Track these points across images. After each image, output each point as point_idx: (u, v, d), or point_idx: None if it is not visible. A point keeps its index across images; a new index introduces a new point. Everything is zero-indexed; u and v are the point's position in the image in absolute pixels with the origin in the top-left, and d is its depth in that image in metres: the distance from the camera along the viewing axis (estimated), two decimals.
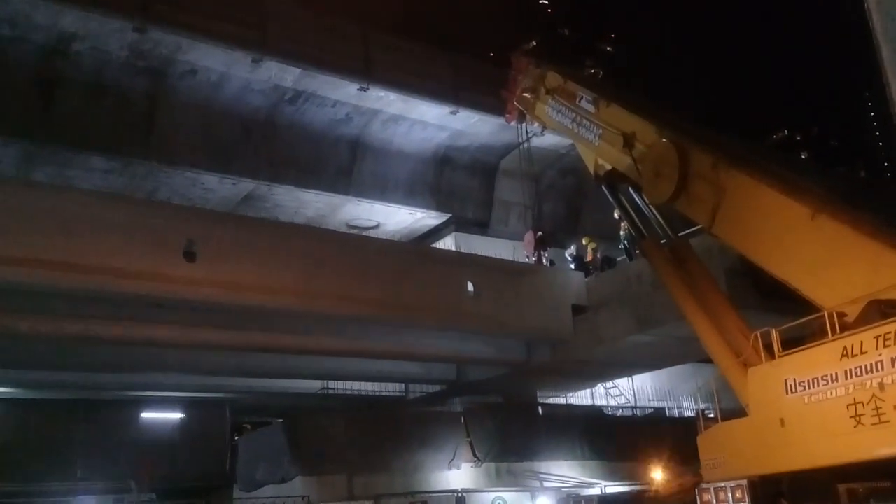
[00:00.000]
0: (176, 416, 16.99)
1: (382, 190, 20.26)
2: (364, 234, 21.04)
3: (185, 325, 14.06)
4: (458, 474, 15.66)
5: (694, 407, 23.09)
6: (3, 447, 14.67)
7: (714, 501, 10.29)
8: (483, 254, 18.31)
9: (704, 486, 10.63)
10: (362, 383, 20.44)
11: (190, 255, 12.97)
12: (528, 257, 18.55)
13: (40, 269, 11.83)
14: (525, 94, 17.06)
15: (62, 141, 16.34)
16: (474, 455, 15.89)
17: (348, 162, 19.83)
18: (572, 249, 19.49)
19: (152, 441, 15.88)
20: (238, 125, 18.12)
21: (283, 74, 17.64)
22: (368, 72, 18.55)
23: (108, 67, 16.28)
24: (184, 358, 16.04)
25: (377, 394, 20.98)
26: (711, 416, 11.50)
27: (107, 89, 16.49)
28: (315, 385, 19.87)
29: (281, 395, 19.57)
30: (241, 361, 16.60)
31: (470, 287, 16.05)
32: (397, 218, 21.17)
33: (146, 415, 16.58)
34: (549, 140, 19.60)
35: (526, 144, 19.27)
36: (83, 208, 12.84)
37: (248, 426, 19.24)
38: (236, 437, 17.70)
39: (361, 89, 18.43)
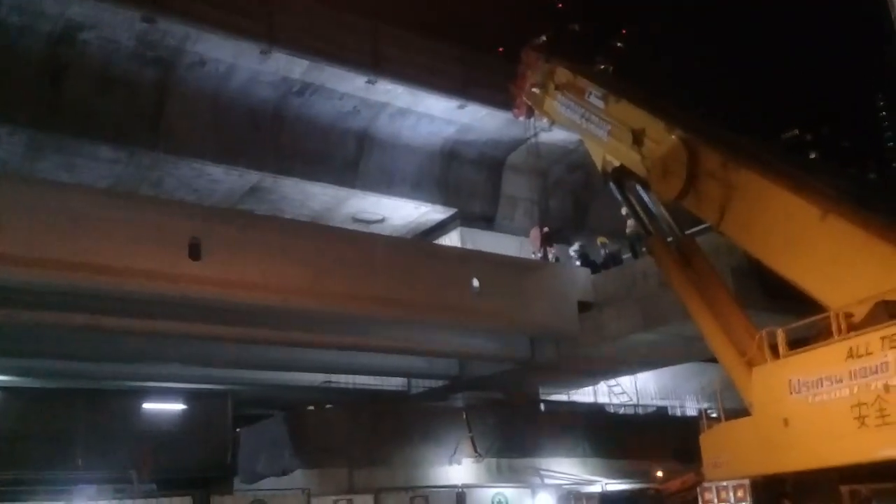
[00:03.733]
0: (178, 406, 17.04)
1: (389, 183, 20.22)
2: (370, 227, 21.00)
3: (188, 320, 14.07)
4: (459, 470, 15.68)
5: (697, 406, 23.12)
6: (4, 436, 14.76)
7: (716, 500, 10.27)
8: (489, 249, 18.26)
9: (706, 484, 10.60)
10: (364, 377, 20.45)
11: (195, 254, 12.98)
12: (534, 253, 18.51)
13: (45, 268, 11.89)
14: (534, 89, 16.98)
15: (69, 130, 16.31)
16: (475, 450, 15.91)
17: (355, 155, 19.79)
18: (577, 246, 19.45)
19: (154, 431, 15.97)
20: (246, 117, 18.10)
21: (292, 66, 17.60)
22: (377, 65, 18.50)
23: (116, 57, 16.25)
24: (186, 349, 16.07)
25: (379, 388, 20.98)
26: (714, 415, 11.47)
27: (115, 79, 16.46)
28: (317, 378, 19.87)
29: (283, 388, 19.61)
30: (244, 354, 16.63)
31: (475, 283, 16.02)
32: (403, 212, 21.12)
33: (148, 405, 16.63)
34: (557, 135, 19.54)
35: (534, 139, 19.22)
36: (89, 206, 12.87)
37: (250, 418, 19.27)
38: (238, 429, 17.72)
39: (369, 82, 18.39)
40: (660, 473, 16.24)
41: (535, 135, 19.01)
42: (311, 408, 17.59)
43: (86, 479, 14.35)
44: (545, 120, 17.52)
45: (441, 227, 21.80)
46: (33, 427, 15.11)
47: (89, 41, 15.80)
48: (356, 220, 21.03)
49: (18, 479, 14.32)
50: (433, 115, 19.91)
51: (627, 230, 17.46)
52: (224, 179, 18.52)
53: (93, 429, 15.46)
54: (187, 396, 17.45)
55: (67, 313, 13.02)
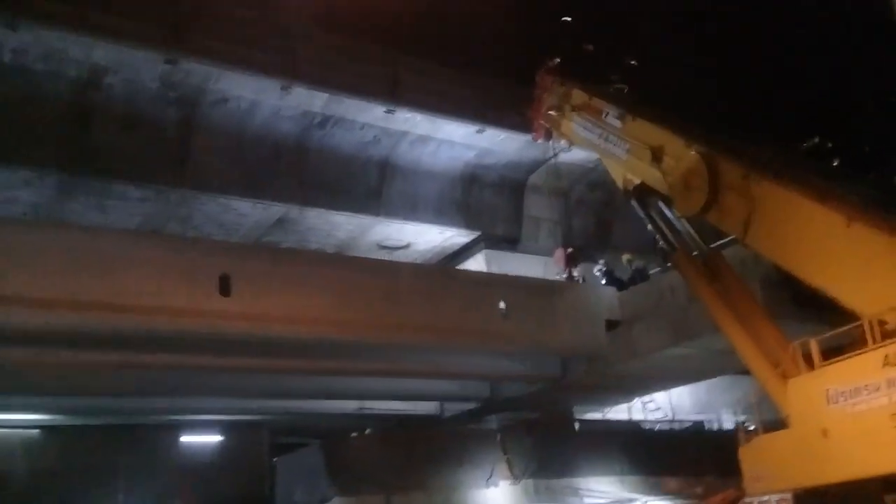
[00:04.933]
0: (215, 438, 17.15)
1: (412, 210, 20.38)
2: (395, 254, 21.15)
3: (221, 354, 14.23)
4: (496, 492, 15.60)
5: (733, 419, 22.82)
6: (47, 473, 15.00)
7: None
8: (514, 270, 18.26)
9: (748, 500, 10.50)
10: (397, 402, 20.46)
11: (225, 289, 13.16)
12: (558, 274, 18.52)
13: (80, 310, 12.09)
14: (551, 112, 17.11)
15: (98, 172, 16.67)
16: (512, 472, 15.84)
17: (377, 183, 19.99)
18: (601, 264, 19.43)
19: (193, 464, 16.09)
20: (269, 151, 18.38)
21: (312, 100, 17.90)
22: (395, 94, 18.75)
23: (140, 98, 16.62)
24: (220, 382, 16.21)
25: (412, 413, 20.98)
26: (752, 428, 11.37)
27: (140, 120, 16.82)
28: (351, 405, 19.93)
29: (318, 416, 19.67)
30: (278, 384, 16.74)
31: (502, 306, 16.04)
32: (427, 237, 21.26)
33: (186, 438, 16.78)
34: (576, 155, 19.60)
35: (553, 161, 19.31)
36: (118, 247, 13.09)
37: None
38: (275, 459, 17.80)
39: (389, 111, 18.64)
40: (700, 489, 16.06)
41: (555, 156, 19.09)
42: (354, 435, 17.58)
43: None
44: (564, 141, 17.62)
45: (465, 251, 21.89)
46: (75, 463, 15.32)
47: (114, 84, 16.19)
48: (381, 248, 21.20)
49: None
50: (453, 140, 20.10)
51: (657, 244, 17.45)
52: (250, 213, 18.79)
53: (133, 463, 15.66)
54: (224, 428, 17.58)
55: (103, 352, 13.22)
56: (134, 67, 15.98)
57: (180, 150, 17.38)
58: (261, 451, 17.48)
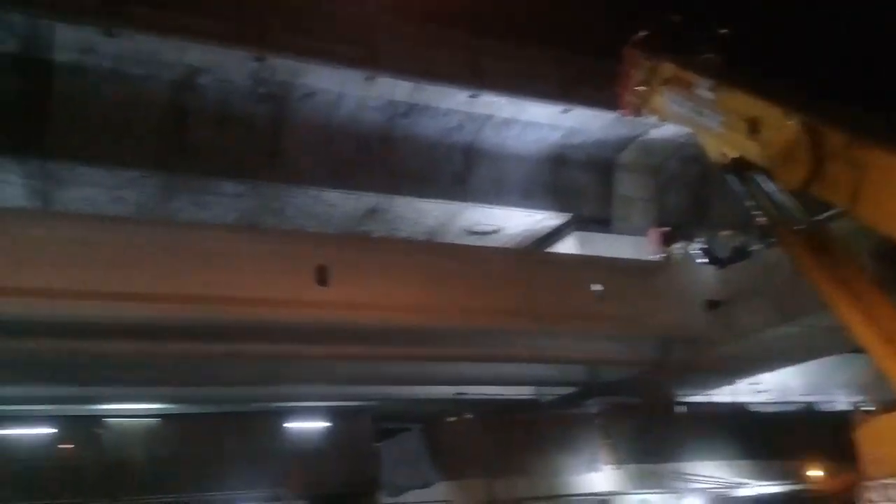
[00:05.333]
0: (321, 424, 17.63)
1: (499, 194, 20.23)
2: (484, 239, 21.07)
3: (320, 342, 14.58)
4: (599, 477, 15.42)
5: (846, 400, 21.77)
6: (164, 460, 15.82)
7: (881, 500, 9.64)
8: (606, 252, 17.90)
9: (869, 483, 9.97)
10: (495, 387, 20.46)
11: (322, 279, 13.46)
12: (654, 254, 18.04)
13: (184, 303, 12.69)
14: (639, 88, 16.58)
15: (196, 170, 17.32)
16: (614, 457, 15.61)
17: (463, 168, 19.95)
18: (699, 242, 18.78)
19: (300, 450, 16.58)
20: (356, 142, 18.61)
21: (395, 89, 17.98)
22: (477, 78, 18.62)
23: (232, 97, 17.11)
24: (324, 369, 16.61)
25: (510, 398, 20.95)
26: (868, 408, 10.80)
27: (233, 117, 17.34)
28: (449, 391, 20.07)
29: (418, 402, 19.91)
30: (378, 370, 17.03)
31: (596, 289, 15.77)
32: (516, 221, 21.07)
33: (293, 424, 17.32)
34: (667, 130, 19.00)
35: (644, 137, 18.78)
36: (220, 242, 13.63)
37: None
38: (378, 444, 18.14)
39: (472, 96, 18.53)
40: (814, 473, 15.39)
41: (645, 132, 18.55)
42: (454, 419, 17.77)
43: (240, 499, 15.07)
44: (654, 116, 17.07)
45: (556, 233, 21.57)
46: (188, 451, 16.09)
47: (207, 84, 16.73)
48: (471, 233, 21.16)
49: (178, 502, 15.28)
50: (538, 121, 19.80)
51: (757, 220, 16.73)
52: (341, 204, 19.10)
53: (243, 450, 16.28)
54: (329, 414, 18.04)
55: (210, 343, 13.77)
56: (225, 67, 16.47)
57: (272, 145, 17.84)
58: (365, 436, 17.82)
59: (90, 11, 14.93)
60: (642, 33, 17.42)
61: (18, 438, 15.65)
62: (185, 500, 15.50)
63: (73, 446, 15.83)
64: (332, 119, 18.24)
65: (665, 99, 15.40)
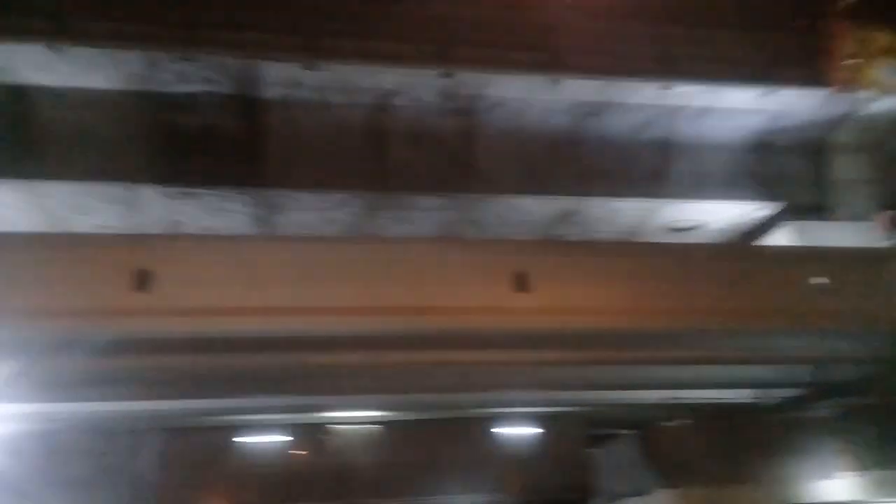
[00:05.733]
0: (533, 430, 17.74)
1: (698, 187, 19.35)
2: (686, 236, 20.25)
3: (523, 348, 14.64)
4: (836, 485, 14.20)
5: None
6: (385, 465, 16.66)
7: None
8: (825, 241, 16.52)
9: None
10: (710, 390, 19.51)
11: (522, 286, 13.53)
12: (884, 239, 16.42)
13: (389, 315, 13.23)
14: (849, 61, 15.26)
15: (396, 188, 18.12)
16: (854, 463, 14.31)
17: (658, 164, 19.31)
18: None
19: (512, 456, 16.78)
20: (546, 146, 18.63)
21: (582, 90, 17.78)
22: (667, 69, 17.95)
23: (425, 114, 17.76)
24: (533, 375, 16.65)
25: (726, 401, 19.87)
26: None
27: (426, 134, 18.00)
28: (662, 395, 19.42)
29: (632, 406, 19.45)
30: (588, 375, 16.80)
31: (819, 282, 14.57)
32: (720, 214, 20.02)
33: (505, 430, 17.58)
34: (886, 103, 17.29)
35: (859, 113, 17.20)
36: (422, 255, 14.09)
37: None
38: (592, 449, 17.96)
39: (663, 88, 17.90)
40: None
41: (861, 108, 17.00)
42: (670, 424, 17.21)
43: None
44: (868, 90, 15.62)
45: (766, 225, 20.23)
46: (407, 456, 16.84)
47: (401, 105, 17.49)
48: (671, 230, 20.42)
49: None
50: (736, 107, 18.73)
51: None
52: (534, 209, 19.16)
53: (457, 456, 16.78)
54: (540, 420, 18.12)
55: (419, 352, 14.28)
56: (416, 87, 17.12)
57: (464, 157, 18.29)
58: (577, 441, 17.71)
59: (294, 49, 16.12)
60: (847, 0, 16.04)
61: (255, 446, 17.11)
62: None
63: (303, 452, 17.07)
64: (521, 126, 18.37)
65: (880, 70, 14.13)
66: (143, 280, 12.81)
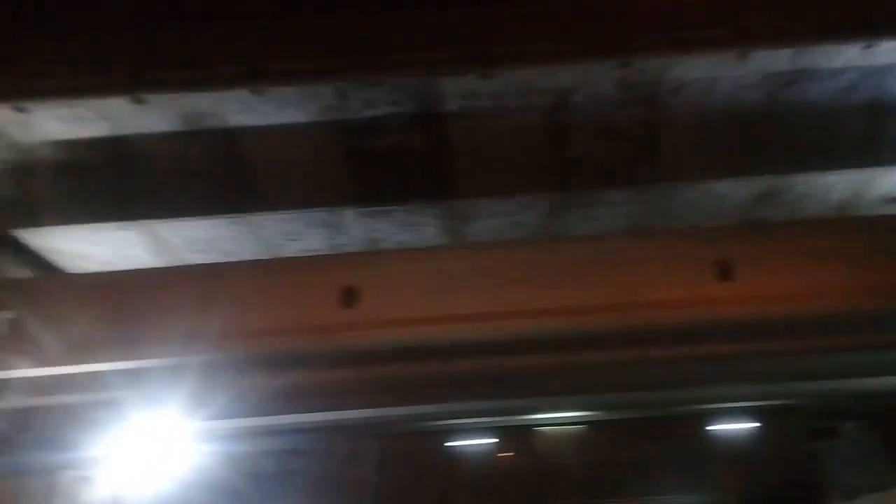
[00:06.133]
0: (751, 425, 16.92)
1: None
2: None
3: (734, 339, 14.00)
4: None
5: None
6: (595, 465, 16.54)
7: None
8: None
9: None
10: None
11: (726, 274, 12.97)
12: None
13: (592, 314, 13.15)
14: None
15: (579, 185, 17.95)
16: None
17: (867, 130, 17.61)
18: None
19: (730, 453, 16.07)
20: (737, 125, 17.59)
21: (773, 60, 16.62)
22: (869, 26, 16.35)
23: (604, 107, 17.40)
24: (745, 367, 15.88)
25: None
26: None
27: (607, 128, 17.61)
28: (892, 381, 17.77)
29: (860, 395, 17.96)
30: (807, 364, 15.75)
31: None
32: None
33: (719, 426, 16.88)
34: None
35: None
36: (617, 250, 13.89)
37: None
38: (817, 443, 16.81)
39: (866, 48, 16.34)
40: None
41: None
42: None
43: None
44: None
45: None
46: (618, 456, 16.61)
47: (578, 102, 17.27)
48: (888, 202, 18.58)
49: None
50: None
51: None
52: (730, 193, 18.19)
53: (671, 455, 16.33)
54: (758, 414, 17.26)
55: (622, 350, 14.07)
56: (593, 81, 16.81)
57: (649, 146, 17.74)
58: (800, 435, 16.64)
59: (469, 60, 16.47)
60: None
61: (466, 449, 17.60)
62: None
63: (511, 455, 17.34)
64: (708, 107, 17.49)
65: None
66: (349, 296, 13.70)
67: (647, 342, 13.81)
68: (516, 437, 17.21)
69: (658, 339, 13.73)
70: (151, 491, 15.04)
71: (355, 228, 19.04)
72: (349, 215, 18.53)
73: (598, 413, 17.40)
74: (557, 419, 17.36)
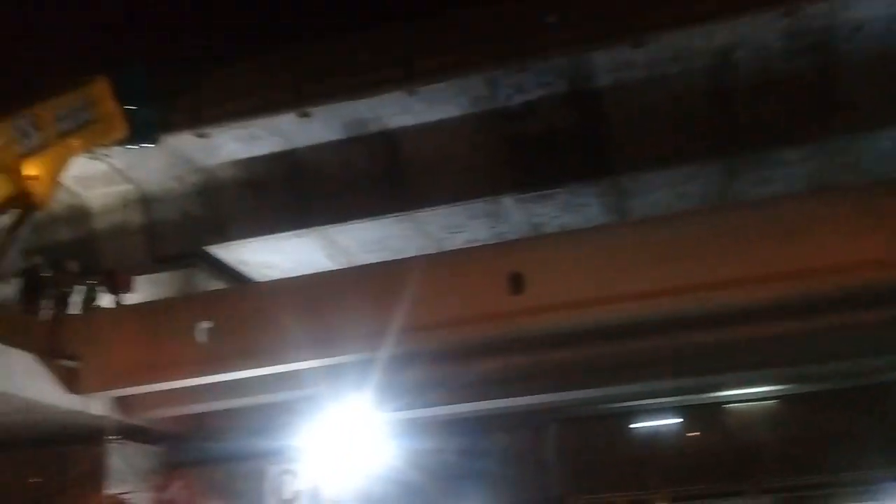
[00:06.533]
0: None
1: None
2: None
3: None
4: None
5: None
6: (789, 440, 15.63)
7: None
8: None
9: None
10: None
11: None
12: None
13: (773, 281, 12.36)
14: None
15: (751, 146, 16.93)
16: None
17: None
18: None
19: None
20: None
21: None
22: None
23: (770, 62, 16.27)
24: None
25: None
26: None
27: (775, 82, 16.47)
28: None
29: None
30: None
31: None
32: None
33: None
34: None
35: None
36: (796, 213, 12.93)
37: None
38: None
39: None
40: None
41: None
42: None
43: (879, 479, 14.00)
44: None
45: None
46: (820, 430, 15.60)
47: (741, 59, 16.23)
48: None
49: (819, 483, 14.90)
50: None
51: None
52: None
53: (874, 427, 15.15)
54: None
55: (811, 317, 13.16)
56: (756, 35, 15.73)
57: (826, 97, 16.36)
58: None
59: (620, 31, 15.94)
60: None
61: (648, 430, 17.16)
62: (824, 482, 15.00)
63: (698, 434, 16.72)
64: (891, 48, 15.89)
65: None
66: (516, 283, 13.70)
67: (838, 308, 12.72)
68: (706, 415, 16.46)
69: (849, 305, 12.60)
70: (346, 482, 15.85)
71: (516, 215, 19.03)
72: (509, 202, 18.54)
73: (791, 386, 16.29)
74: (748, 395, 16.40)
